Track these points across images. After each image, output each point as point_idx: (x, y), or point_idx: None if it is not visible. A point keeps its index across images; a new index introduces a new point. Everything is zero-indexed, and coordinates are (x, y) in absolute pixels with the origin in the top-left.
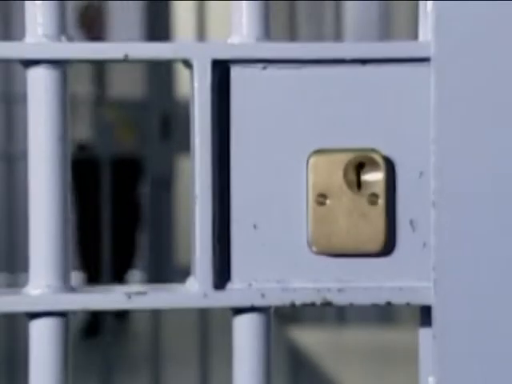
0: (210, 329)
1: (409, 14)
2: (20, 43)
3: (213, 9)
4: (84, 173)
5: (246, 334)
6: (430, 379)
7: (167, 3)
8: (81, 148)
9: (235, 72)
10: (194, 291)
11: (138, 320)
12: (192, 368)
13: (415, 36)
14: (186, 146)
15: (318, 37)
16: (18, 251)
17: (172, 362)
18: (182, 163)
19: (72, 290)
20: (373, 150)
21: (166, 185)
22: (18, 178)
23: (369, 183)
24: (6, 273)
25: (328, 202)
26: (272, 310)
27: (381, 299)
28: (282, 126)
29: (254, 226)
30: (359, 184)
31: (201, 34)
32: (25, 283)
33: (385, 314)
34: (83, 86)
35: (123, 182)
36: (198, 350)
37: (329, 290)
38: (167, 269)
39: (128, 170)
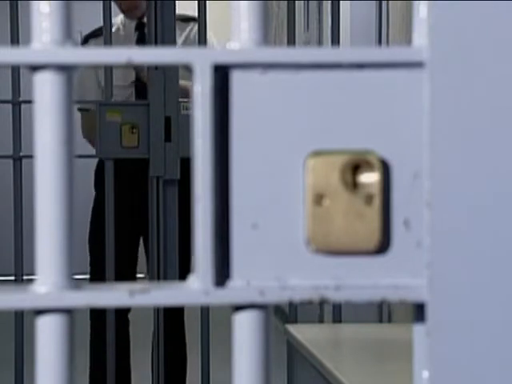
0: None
1: (402, 18)
2: (27, 49)
3: (212, 14)
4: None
5: (245, 330)
6: (424, 373)
7: (172, 12)
8: None
9: (235, 76)
10: (195, 288)
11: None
12: (193, 364)
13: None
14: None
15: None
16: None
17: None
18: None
19: (77, 287)
20: (368, 152)
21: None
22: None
23: (364, 184)
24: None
25: (325, 202)
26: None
27: (376, 296)
28: (280, 128)
29: (254, 226)
30: (355, 185)
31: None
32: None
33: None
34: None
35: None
36: (199, 345)
37: (326, 287)
38: (172, 267)
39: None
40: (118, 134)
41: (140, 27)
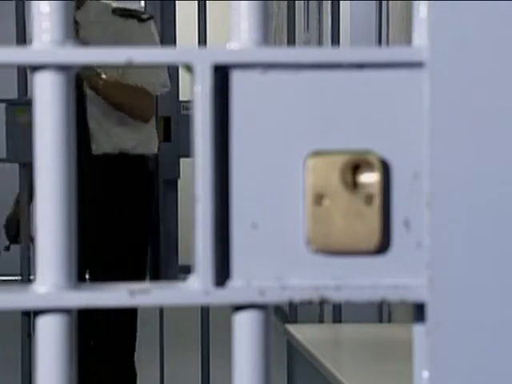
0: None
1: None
2: (28, 49)
3: (212, 14)
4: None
5: (245, 330)
6: (424, 373)
7: (172, 12)
8: None
9: (235, 76)
10: (195, 288)
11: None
12: (193, 364)
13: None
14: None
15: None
16: None
17: (174, 358)
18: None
19: (77, 287)
20: (368, 152)
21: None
22: None
23: (365, 184)
24: None
25: (325, 202)
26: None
27: (376, 296)
28: (280, 128)
29: (254, 226)
30: (355, 185)
31: (201, 39)
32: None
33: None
34: None
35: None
36: (199, 345)
37: (326, 287)
38: (172, 267)
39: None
40: (30, 136)
41: None
